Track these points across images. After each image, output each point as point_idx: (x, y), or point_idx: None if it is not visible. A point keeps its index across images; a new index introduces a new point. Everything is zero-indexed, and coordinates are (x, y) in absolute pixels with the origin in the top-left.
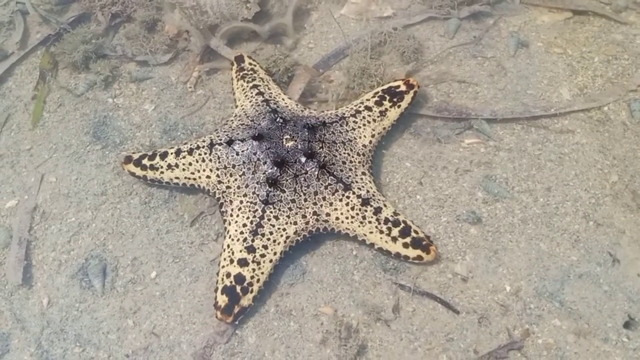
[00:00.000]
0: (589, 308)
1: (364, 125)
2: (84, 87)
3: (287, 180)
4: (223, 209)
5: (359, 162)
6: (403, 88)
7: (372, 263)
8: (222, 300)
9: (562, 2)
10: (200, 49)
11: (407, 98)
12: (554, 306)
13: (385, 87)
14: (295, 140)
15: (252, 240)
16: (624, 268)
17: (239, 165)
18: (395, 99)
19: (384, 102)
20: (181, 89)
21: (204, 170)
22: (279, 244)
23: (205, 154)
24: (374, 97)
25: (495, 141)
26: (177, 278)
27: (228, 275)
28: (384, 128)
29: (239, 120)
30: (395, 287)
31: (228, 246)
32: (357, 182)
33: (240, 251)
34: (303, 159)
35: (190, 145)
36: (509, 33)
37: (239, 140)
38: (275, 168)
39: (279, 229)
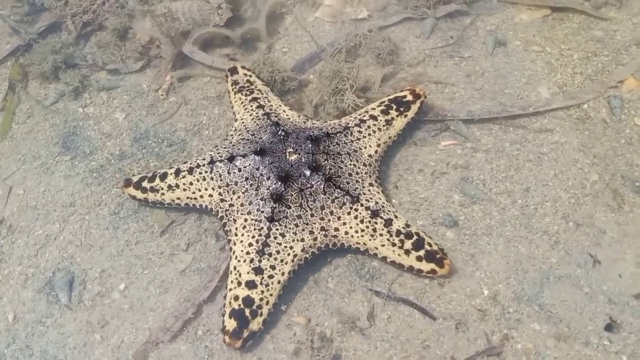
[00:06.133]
0: (569, 311)
1: (369, 134)
2: (54, 97)
3: (292, 196)
4: (227, 228)
5: (366, 173)
6: (410, 98)
7: (347, 270)
8: (230, 324)
9: None
10: (172, 56)
11: (414, 108)
12: (533, 310)
13: (391, 97)
14: (299, 154)
15: (259, 261)
16: (605, 269)
17: (241, 182)
18: (402, 109)
19: (390, 111)
20: (153, 97)
21: (205, 189)
22: (286, 263)
23: (206, 172)
24: (379, 106)
25: (473, 142)
26: (146, 290)
27: (236, 298)
28: (390, 137)
29: (239, 134)
30: (370, 294)
31: (235, 268)
32: (364, 193)
33: (248, 273)
34: (308, 173)
35: (190, 164)
36: (487, 32)
37: (240, 155)
38: (280, 183)
39: (285, 247)
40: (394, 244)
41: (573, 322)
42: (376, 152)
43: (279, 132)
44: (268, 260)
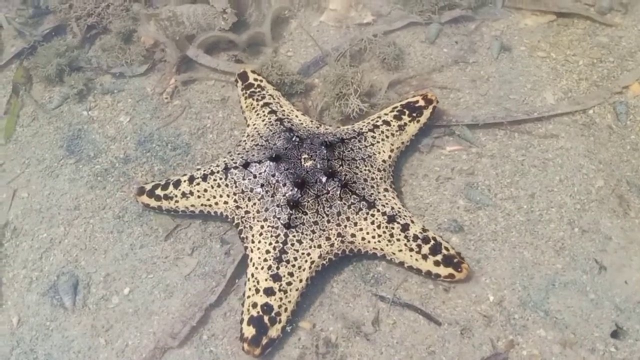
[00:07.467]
0: (575, 317)
1: (383, 140)
2: (59, 100)
3: (308, 202)
4: (243, 235)
5: (380, 178)
6: (422, 103)
7: (352, 275)
8: (249, 331)
9: (545, 5)
10: (177, 59)
11: (426, 113)
12: (539, 316)
13: (403, 102)
14: (314, 160)
15: (277, 268)
16: (611, 275)
17: (257, 189)
18: (414, 114)
19: (403, 116)
20: (157, 100)
21: (220, 196)
22: (304, 270)
23: (221, 179)
24: (392, 111)
25: (478, 147)
26: (150, 294)
27: (254, 305)
28: (403, 143)
29: (252, 140)
30: (375, 299)
31: (252, 275)
32: (380, 199)
33: (266, 280)
34: (324, 179)
35: (204, 171)
36: (492, 37)
37: (255, 162)
38: (296, 189)
39: (303, 254)
40: (411, 249)
41: (579, 328)
42: (390, 157)
43: (293, 138)
44: (286, 267)
